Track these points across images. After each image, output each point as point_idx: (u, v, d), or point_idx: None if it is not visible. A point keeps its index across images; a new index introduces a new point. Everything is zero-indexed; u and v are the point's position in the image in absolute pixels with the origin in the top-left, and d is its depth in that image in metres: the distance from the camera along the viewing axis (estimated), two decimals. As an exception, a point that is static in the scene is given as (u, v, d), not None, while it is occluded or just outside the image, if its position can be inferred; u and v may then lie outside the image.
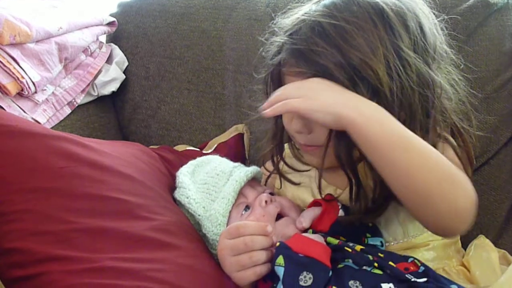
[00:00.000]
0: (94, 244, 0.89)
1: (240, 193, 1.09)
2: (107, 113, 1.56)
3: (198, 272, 0.94)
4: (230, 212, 1.06)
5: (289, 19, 1.03)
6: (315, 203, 1.05)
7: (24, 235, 0.88)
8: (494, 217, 1.24)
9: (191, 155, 1.29)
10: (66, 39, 1.38)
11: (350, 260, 0.91)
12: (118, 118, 1.59)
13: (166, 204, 1.06)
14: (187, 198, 1.09)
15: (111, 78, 1.52)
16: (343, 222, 1.01)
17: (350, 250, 0.92)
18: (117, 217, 0.94)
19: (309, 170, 1.16)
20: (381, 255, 0.92)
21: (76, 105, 1.43)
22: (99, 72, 1.49)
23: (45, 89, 1.33)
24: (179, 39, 1.52)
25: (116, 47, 1.58)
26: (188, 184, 1.11)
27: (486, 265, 1.06)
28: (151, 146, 1.37)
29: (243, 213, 1.07)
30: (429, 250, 1.05)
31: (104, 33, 1.55)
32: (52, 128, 1.32)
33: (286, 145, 1.25)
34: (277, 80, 1.04)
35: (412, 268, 0.91)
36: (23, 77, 1.23)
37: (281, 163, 1.17)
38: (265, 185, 1.19)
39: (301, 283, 0.87)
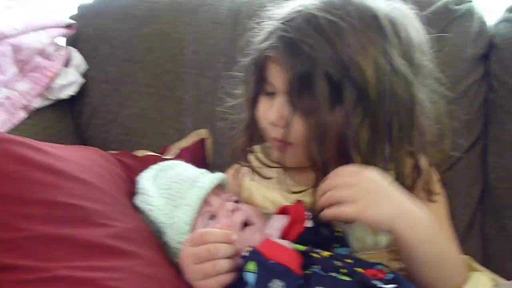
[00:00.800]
0: (48, 252, 0.86)
1: (205, 201, 1.06)
2: (65, 118, 1.51)
3: (158, 281, 0.91)
4: (195, 220, 1.04)
5: (284, 9, 1.03)
6: (283, 210, 1.03)
7: (-29, 243, 0.84)
8: (457, 222, 1.23)
9: (152, 161, 1.25)
10: (22, 41, 1.34)
11: (318, 266, 0.90)
12: (76, 122, 1.55)
13: (125, 210, 1.03)
14: (148, 204, 1.06)
15: (69, 81, 1.48)
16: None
17: (317, 256, 0.91)
18: (73, 224, 0.91)
19: (280, 168, 1.13)
20: (349, 261, 0.92)
21: (32, 109, 1.39)
22: (57, 75, 1.45)
23: (-1, 92, 1.29)
24: (140, 42, 1.49)
25: (75, 50, 1.54)
26: (149, 190, 1.08)
27: None
28: (110, 151, 1.34)
29: (209, 223, 1.04)
30: (400, 261, 1.03)
31: (63, 36, 1.51)
32: (7, 132, 1.27)
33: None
34: (260, 68, 1.03)
35: (380, 275, 0.90)
36: (-26, 79, 1.18)
37: (253, 158, 1.16)
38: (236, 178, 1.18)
39: None
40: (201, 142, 1.41)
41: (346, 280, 0.88)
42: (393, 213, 0.91)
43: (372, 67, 0.93)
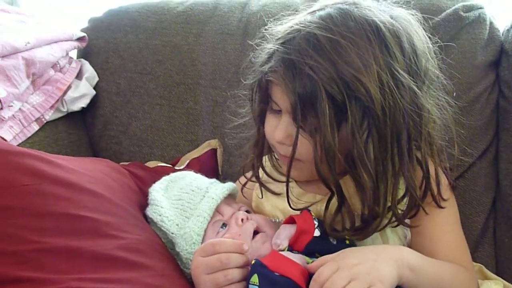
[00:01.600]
0: (59, 264, 0.86)
1: (216, 211, 1.06)
2: (77, 130, 1.53)
3: (168, 292, 0.91)
4: (205, 230, 1.04)
5: (282, 26, 1.02)
6: (290, 219, 1.03)
7: (-17, 256, 0.84)
8: (469, 230, 1.23)
9: (163, 172, 1.26)
10: (34, 54, 1.36)
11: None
12: (88, 134, 1.56)
13: (135, 222, 1.03)
14: (160, 215, 1.06)
15: (81, 94, 1.49)
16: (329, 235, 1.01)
17: None
18: (83, 236, 0.91)
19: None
20: None
21: (45, 121, 1.40)
22: (69, 88, 1.47)
23: (11, 105, 1.31)
24: (150, 54, 1.50)
25: (87, 62, 1.55)
26: (160, 201, 1.08)
27: None
28: (121, 163, 1.34)
29: (219, 230, 1.04)
30: None
31: (74, 48, 1.52)
32: (19, 145, 1.29)
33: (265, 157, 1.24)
34: (264, 88, 1.02)
35: None
36: (-12, 93, 1.20)
37: (262, 172, 1.15)
38: (241, 192, 1.17)
39: None
40: (213, 152, 1.42)
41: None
42: (393, 271, 0.89)
43: (375, 84, 0.91)
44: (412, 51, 0.97)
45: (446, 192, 1.07)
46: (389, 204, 0.98)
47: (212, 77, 1.44)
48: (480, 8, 1.32)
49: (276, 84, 0.98)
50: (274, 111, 1.03)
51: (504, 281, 1.10)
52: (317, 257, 0.96)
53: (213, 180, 1.14)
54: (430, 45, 1.04)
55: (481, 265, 1.17)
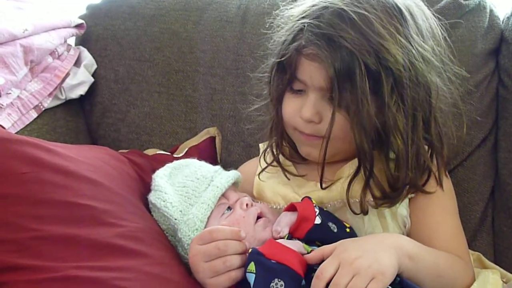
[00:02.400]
0: (57, 252, 0.87)
1: (221, 195, 1.07)
2: (75, 117, 1.52)
3: (166, 280, 0.91)
4: (209, 218, 1.04)
5: (300, 8, 1.05)
6: (291, 207, 1.03)
7: (-19, 244, 0.85)
8: (468, 219, 1.23)
9: (162, 159, 1.26)
10: (32, 42, 1.35)
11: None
12: (86, 122, 1.55)
13: (134, 210, 1.03)
14: (164, 201, 1.06)
15: (79, 81, 1.48)
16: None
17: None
18: (82, 224, 0.91)
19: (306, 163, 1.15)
20: None
21: (43, 109, 1.40)
22: (67, 75, 1.46)
23: (9, 93, 1.30)
24: (149, 41, 1.49)
25: (85, 49, 1.54)
26: (164, 187, 1.08)
27: None
28: (120, 150, 1.34)
29: (224, 212, 1.05)
30: None
31: (72, 36, 1.51)
32: (17, 132, 1.29)
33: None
34: (292, 66, 1.03)
35: None
36: (-15, 81, 1.19)
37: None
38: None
39: None
40: (211, 140, 1.41)
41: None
42: (393, 259, 0.89)
43: (401, 53, 0.96)
44: (423, 30, 1.03)
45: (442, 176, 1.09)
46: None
47: (211, 64, 1.43)
48: (480, -5, 1.32)
49: (308, 61, 1.00)
50: (294, 91, 1.05)
51: (502, 270, 1.10)
52: (317, 245, 0.96)
53: (218, 167, 1.15)
54: (436, 24, 1.09)
55: (480, 254, 1.17)
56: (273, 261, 0.88)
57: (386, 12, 0.99)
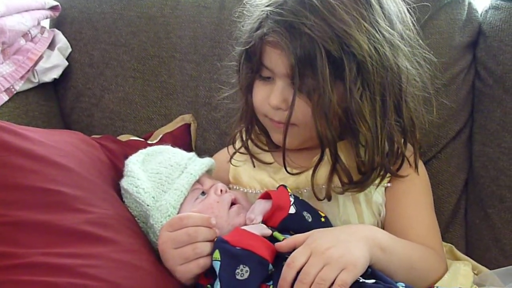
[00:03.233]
0: (24, 238, 0.85)
1: (196, 182, 1.06)
2: (48, 101, 1.49)
3: (135, 268, 0.90)
4: (182, 205, 1.03)
5: None
6: (266, 195, 1.03)
7: None
8: (441, 211, 1.24)
9: (135, 145, 1.25)
10: (4, 23, 1.32)
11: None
12: (60, 106, 1.53)
13: (104, 196, 1.01)
14: (136, 187, 1.04)
15: (53, 64, 1.46)
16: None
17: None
18: (50, 210, 0.90)
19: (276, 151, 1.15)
20: None
21: (15, 92, 1.37)
22: (40, 58, 1.43)
23: (-21, 75, 1.27)
24: (125, 26, 1.47)
25: (59, 32, 1.51)
26: (137, 173, 1.07)
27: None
28: (93, 136, 1.32)
29: (198, 197, 1.05)
30: None
31: (47, 18, 1.48)
32: (-13, 116, 1.26)
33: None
34: (256, 54, 1.03)
35: None
36: (-46, 61, 1.16)
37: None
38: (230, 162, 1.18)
39: (238, 277, 0.86)
40: (186, 127, 1.40)
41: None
42: (364, 250, 0.89)
43: (366, 39, 0.96)
44: (390, 13, 1.03)
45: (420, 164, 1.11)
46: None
47: (187, 50, 1.42)
48: (459, -12, 1.31)
49: (271, 46, 1.00)
50: (263, 78, 1.05)
51: (473, 262, 1.11)
52: (290, 234, 0.95)
53: (192, 154, 1.13)
54: (404, 8, 1.09)
55: (452, 245, 1.18)
56: (237, 247, 0.88)
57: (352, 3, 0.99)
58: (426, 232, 1.06)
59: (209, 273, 0.92)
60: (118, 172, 1.12)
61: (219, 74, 1.35)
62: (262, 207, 1.01)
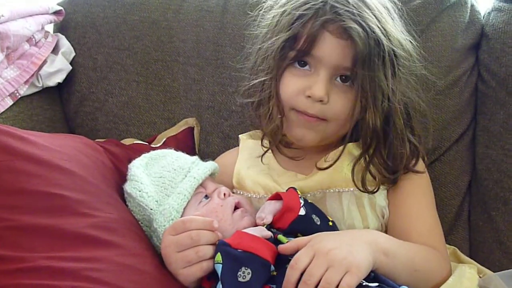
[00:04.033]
0: (29, 242, 0.85)
1: (199, 185, 1.07)
2: (53, 105, 1.50)
3: (139, 271, 0.90)
4: (185, 209, 1.03)
5: None
6: (276, 196, 1.03)
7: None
8: (444, 213, 1.24)
9: (139, 149, 1.25)
10: (8, 28, 1.32)
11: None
12: (64, 110, 1.53)
13: (108, 200, 1.01)
14: (140, 191, 1.05)
15: (57, 69, 1.46)
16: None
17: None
18: (54, 214, 0.90)
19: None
20: None
21: (19, 96, 1.38)
22: (44, 62, 1.43)
23: (-16, 79, 1.28)
24: (128, 30, 1.47)
25: (63, 37, 1.52)
26: (141, 177, 1.07)
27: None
28: (97, 140, 1.33)
29: (202, 200, 1.05)
30: None
31: (50, 22, 1.49)
32: (-8, 120, 1.27)
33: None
34: (312, 40, 1.00)
35: None
36: (-41, 66, 1.17)
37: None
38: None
39: (240, 279, 0.86)
40: (190, 130, 1.40)
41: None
42: (367, 253, 0.89)
43: (395, 36, 1.03)
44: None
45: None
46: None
47: (190, 54, 1.42)
48: (461, -11, 1.31)
49: (332, 37, 1.00)
50: (297, 69, 1.04)
51: (478, 265, 1.11)
52: (297, 237, 0.96)
53: (195, 158, 1.14)
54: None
55: (455, 248, 1.18)
56: (239, 250, 0.89)
57: (381, 6, 1.05)
58: (429, 232, 1.06)
59: (211, 276, 0.93)
60: (122, 176, 1.12)
61: (223, 77, 1.35)
62: (272, 207, 1.01)
